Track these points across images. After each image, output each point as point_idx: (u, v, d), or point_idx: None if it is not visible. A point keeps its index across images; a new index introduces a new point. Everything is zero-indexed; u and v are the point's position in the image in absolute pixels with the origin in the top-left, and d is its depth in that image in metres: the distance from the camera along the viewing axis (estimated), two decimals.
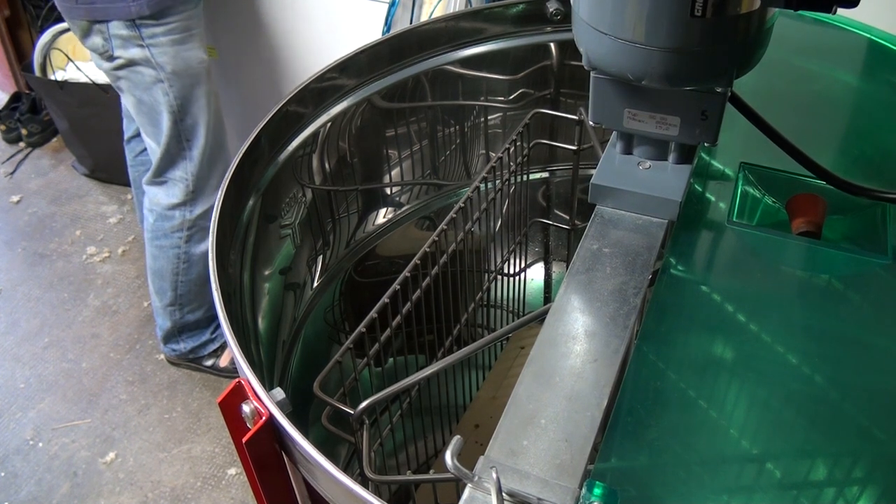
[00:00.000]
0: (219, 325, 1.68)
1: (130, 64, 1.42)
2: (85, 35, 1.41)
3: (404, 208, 1.09)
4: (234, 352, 0.59)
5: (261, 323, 0.85)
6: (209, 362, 1.74)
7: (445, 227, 0.81)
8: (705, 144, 0.63)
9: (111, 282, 2.01)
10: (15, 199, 2.31)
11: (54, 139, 2.53)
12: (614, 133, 0.69)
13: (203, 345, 1.71)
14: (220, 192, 0.73)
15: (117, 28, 1.37)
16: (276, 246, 0.91)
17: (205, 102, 1.50)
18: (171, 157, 1.52)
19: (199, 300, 1.66)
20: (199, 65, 1.46)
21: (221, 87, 1.83)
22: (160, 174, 1.54)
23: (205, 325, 1.71)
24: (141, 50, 1.40)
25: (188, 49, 1.44)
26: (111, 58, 1.42)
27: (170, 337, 1.69)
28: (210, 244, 0.68)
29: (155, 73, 1.42)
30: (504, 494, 0.45)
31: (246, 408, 0.54)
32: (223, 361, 1.73)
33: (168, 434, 1.64)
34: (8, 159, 2.47)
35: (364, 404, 0.65)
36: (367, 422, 0.67)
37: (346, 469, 0.93)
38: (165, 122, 1.47)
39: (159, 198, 1.56)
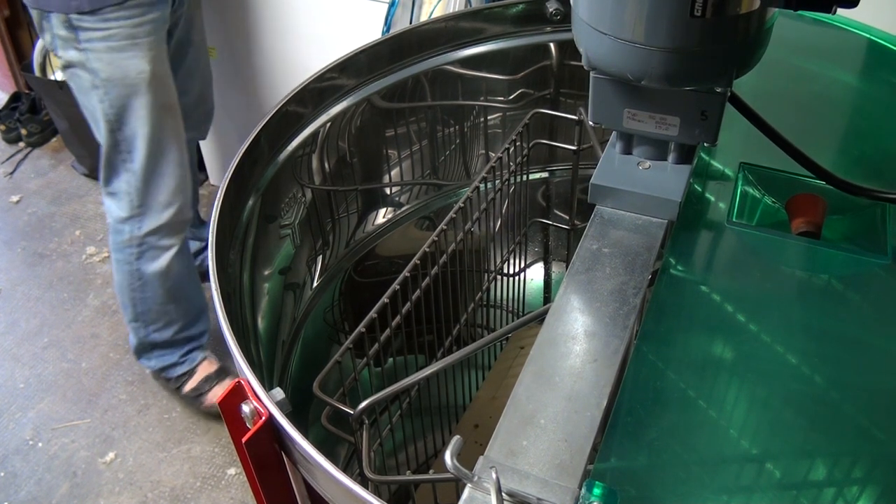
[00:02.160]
0: (190, 350, 1.65)
1: (69, 66, 1.37)
2: (39, 30, 1.37)
3: (404, 208, 1.09)
4: (233, 352, 0.59)
5: (260, 323, 0.85)
6: (176, 385, 1.67)
7: (445, 227, 0.81)
8: (705, 144, 0.63)
9: (111, 282, 2.01)
10: (15, 199, 2.31)
11: (54, 139, 2.53)
12: (614, 133, 0.69)
13: (171, 366, 1.65)
14: (219, 192, 0.73)
15: (58, 27, 1.32)
16: (276, 246, 0.91)
17: (144, 114, 1.40)
18: (112, 166, 1.46)
19: (164, 320, 1.59)
20: (139, 76, 1.37)
21: (222, 87, 1.83)
22: (107, 184, 1.49)
23: (172, 346, 1.64)
24: (77, 53, 1.34)
25: (128, 58, 1.35)
26: (58, 57, 1.38)
27: (139, 352, 1.65)
28: (210, 244, 0.68)
29: (91, 77, 1.36)
30: (504, 494, 0.45)
31: (246, 408, 0.54)
32: (187, 386, 1.66)
33: (168, 434, 1.64)
34: (8, 159, 2.47)
35: (364, 404, 0.65)
36: (366, 422, 0.67)
37: (345, 469, 0.93)
38: (102, 130, 1.42)
39: (111, 209, 1.51)
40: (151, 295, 1.55)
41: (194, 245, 1.92)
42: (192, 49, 1.61)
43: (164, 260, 1.52)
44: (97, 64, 1.35)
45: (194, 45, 1.61)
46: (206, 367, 1.66)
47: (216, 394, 1.64)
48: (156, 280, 1.54)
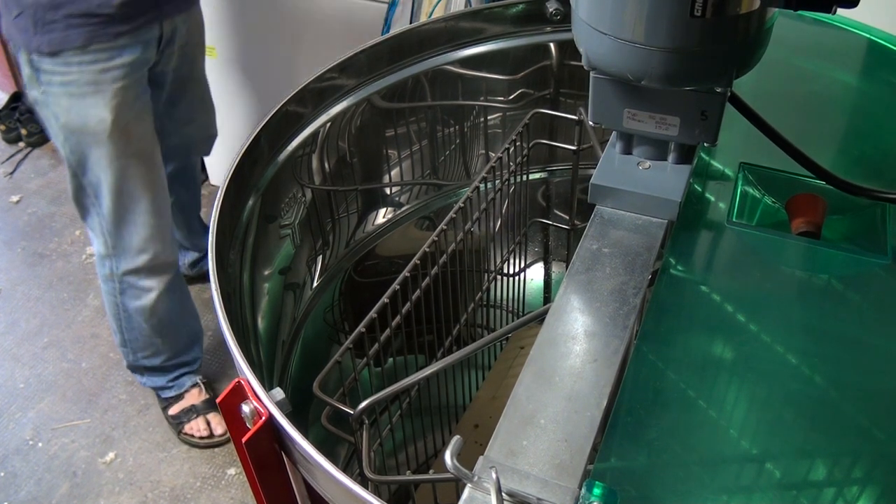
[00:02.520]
0: (179, 376, 1.63)
1: (34, 103, 1.31)
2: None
3: (404, 208, 1.09)
4: (233, 352, 0.59)
5: (260, 323, 0.85)
6: (163, 405, 1.66)
7: (445, 227, 0.81)
8: (705, 144, 0.63)
9: None
10: (14, 198, 2.31)
11: None
12: (614, 133, 0.69)
13: (160, 388, 1.65)
14: (219, 192, 0.73)
15: (24, 64, 1.26)
16: (276, 246, 0.91)
17: (106, 164, 1.31)
18: (81, 205, 1.39)
19: (152, 349, 1.57)
20: (99, 125, 1.27)
21: (222, 86, 1.83)
22: (81, 218, 1.43)
23: (162, 371, 1.62)
24: (38, 93, 1.28)
25: (88, 106, 1.26)
26: (26, 92, 1.32)
27: (131, 370, 1.64)
28: (210, 244, 0.68)
29: (52, 120, 1.29)
30: (504, 494, 0.45)
31: (245, 408, 0.54)
32: (170, 411, 1.64)
33: (168, 434, 1.64)
34: (8, 159, 2.47)
35: (364, 404, 0.65)
36: (366, 422, 0.67)
37: (345, 469, 0.93)
38: (68, 171, 1.35)
39: (91, 241, 1.47)
40: (137, 327, 1.52)
41: (192, 255, 1.88)
42: (193, 84, 1.53)
43: (146, 300, 1.49)
44: (56, 108, 1.28)
45: (195, 80, 1.53)
46: (195, 396, 1.64)
47: (197, 425, 1.62)
48: (140, 316, 1.51)
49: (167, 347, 1.57)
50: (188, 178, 1.73)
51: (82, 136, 1.29)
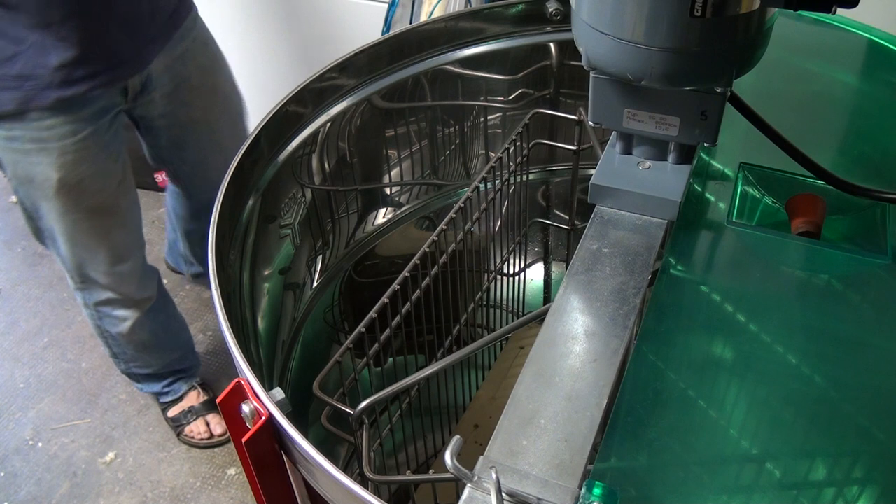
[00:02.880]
0: (174, 381, 1.61)
1: None
2: None
3: (404, 208, 1.09)
4: (233, 352, 0.59)
5: (260, 323, 0.85)
6: (162, 408, 1.65)
7: (445, 227, 0.81)
8: (705, 144, 0.63)
9: None
10: (14, 199, 2.31)
11: None
12: (614, 133, 0.69)
13: (157, 394, 1.63)
14: (219, 192, 0.73)
15: None
16: (276, 246, 0.91)
17: (57, 217, 1.22)
18: (43, 244, 1.32)
19: (142, 362, 1.54)
20: (45, 182, 1.17)
21: None
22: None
23: (157, 378, 1.60)
24: None
25: (33, 164, 1.15)
26: None
27: (127, 377, 1.62)
28: (210, 244, 0.68)
29: (1, 165, 1.20)
30: (503, 494, 0.45)
31: (245, 408, 0.54)
32: (169, 413, 1.63)
33: (167, 434, 1.64)
34: None
35: (364, 404, 0.65)
36: (366, 422, 0.67)
37: (345, 469, 0.93)
38: (22, 213, 1.27)
39: None
40: (123, 346, 1.51)
41: (197, 268, 1.82)
42: (201, 127, 1.36)
43: (125, 326, 1.45)
44: (3, 157, 1.17)
45: (205, 122, 1.37)
46: (193, 398, 1.63)
47: (197, 427, 1.61)
48: (122, 338, 1.47)
49: (157, 360, 1.56)
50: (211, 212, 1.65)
51: (31, 189, 1.20)
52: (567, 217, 1.05)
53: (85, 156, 1.18)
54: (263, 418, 0.53)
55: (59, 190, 1.18)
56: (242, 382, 0.55)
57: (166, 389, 1.62)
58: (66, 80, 1.09)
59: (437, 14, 1.45)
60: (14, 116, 1.10)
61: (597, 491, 0.44)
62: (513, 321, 0.94)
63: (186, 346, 1.63)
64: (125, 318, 1.43)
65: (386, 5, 1.49)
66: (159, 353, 1.55)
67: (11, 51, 1.05)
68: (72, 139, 1.15)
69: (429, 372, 0.67)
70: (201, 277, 1.87)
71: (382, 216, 1.08)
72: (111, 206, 1.27)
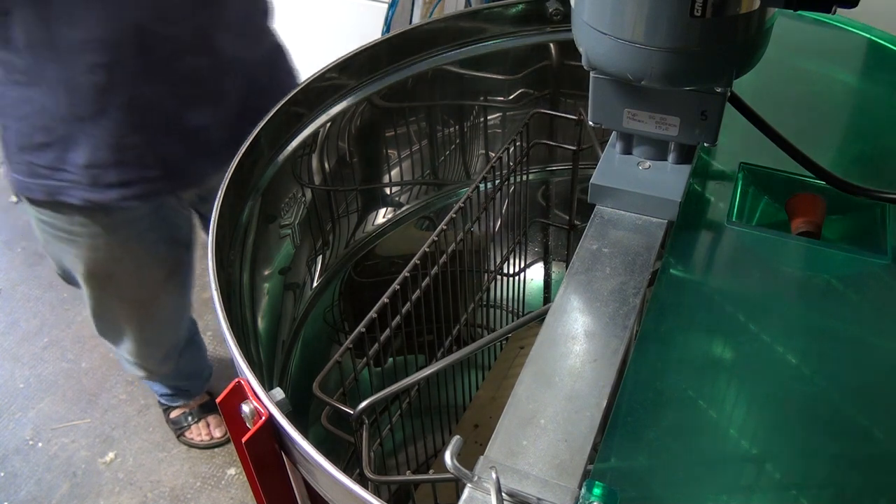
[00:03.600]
0: (181, 394, 1.56)
1: None
2: None
3: (404, 208, 1.09)
4: (233, 352, 0.59)
5: (260, 323, 0.85)
6: (164, 408, 1.63)
7: (445, 227, 0.81)
8: (705, 144, 0.63)
9: None
10: (14, 198, 2.31)
11: None
12: (614, 133, 0.69)
13: (160, 394, 1.60)
14: (219, 192, 0.73)
15: None
16: (276, 246, 0.91)
17: (85, 294, 1.15)
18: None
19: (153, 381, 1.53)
20: (74, 268, 1.09)
21: None
22: None
23: (165, 387, 1.56)
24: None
25: (61, 251, 1.08)
26: None
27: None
28: (210, 244, 0.68)
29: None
30: (503, 494, 0.45)
31: (245, 408, 0.54)
32: (171, 414, 1.61)
33: (167, 434, 1.64)
34: None
35: (364, 404, 0.65)
36: (366, 422, 0.67)
37: (345, 469, 0.93)
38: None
39: None
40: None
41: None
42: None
43: (140, 374, 1.41)
44: (35, 229, 1.09)
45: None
46: (195, 401, 1.62)
47: (198, 430, 1.60)
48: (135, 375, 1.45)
49: (168, 383, 1.54)
50: None
51: (60, 269, 1.13)
52: (567, 217, 1.05)
53: (120, 254, 1.08)
54: (263, 418, 0.53)
55: (88, 279, 1.11)
56: (242, 382, 0.55)
57: (170, 397, 1.60)
58: (95, 181, 0.97)
59: (437, 14, 1.45)
60: (44, 203, 1.01)
61: (597, 491, 0.44)
62: (513, 321, 0.94)
63: (203, 378, 1.59)
64: (141, 372, 1.39)
65: (386, 5, 1.49)
66: (172, 380, 1.52)
67: (41, 139, 0.95)
68: (104, 238, 1.04)
69: (429, 372, 0.67)
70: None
71: (382, 216, 1.08)
72: (149, 300, 1.17)
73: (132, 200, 1.00)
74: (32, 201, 1.02)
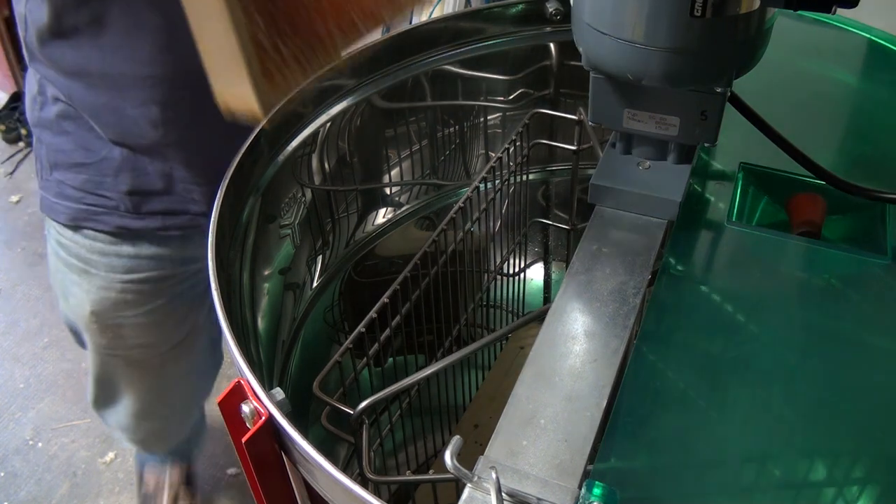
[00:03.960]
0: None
1: None
2: None
3: (404, 208, 1.09)
4: (233, 352, 0.59)
5: (260, 323, 0.85)
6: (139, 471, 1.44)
7: (445, 227, 0.81)
8: (705, 144, 0.63)
9: None
10: (14, 199, 2.31)
11: None
12: (614, 133, 0.69)
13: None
14: (219, 191, 0.73)
15: None
16: (276, 246, 0.91)
17: (89, 347, 1.05)
18: None
19: None
20: (77, 308, 0.99)
21: None
22: None
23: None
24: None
25: (72, 281, 0.98)
26: None
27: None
28: (210, 244, 0.68)
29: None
30: (503, 494, 0.45)
31: (245, 408, 0.54)
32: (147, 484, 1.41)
33: None
34: (8, 159, 2.47)
35: (364, 404, 0.65)
36: (366, 422, 0.67)
37: (345, 469, 0.93)
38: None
39: None
40: None
41: None
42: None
43: (127, 444, 1.29)
44: (48, 252, 1.00)
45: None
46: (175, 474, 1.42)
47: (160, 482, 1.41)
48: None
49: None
50: None
51: (63, 300, 1.02)
52: (567, 217, 1.05)
53: (134, 301, 0.97)
54: (263, 418, 0.53)
55: (91, 326, 0.99)
56: (242, 382, 0.55)
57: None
58: (137, 208, 0.91)
59: (437, 14, 1.45)
60: (67, 226, 0.94)
61: (597, 491, 0.44)
62: (513, 321, 0.94)
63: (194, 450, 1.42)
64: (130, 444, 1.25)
65: None
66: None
67: (78, 157, 0.89)
68: (122, 275, 0.95)
69: (429, 372, 0.67)
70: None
71: (382, 216, 1.08)
72: (153, 368, 1.06)
73: (172, 230, 0.94)
74: (56, 222, 0.96)
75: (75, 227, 0.93)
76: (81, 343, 1.07)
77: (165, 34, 0.83)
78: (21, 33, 0.88)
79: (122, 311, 0.98)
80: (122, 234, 0.93)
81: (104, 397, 1.12)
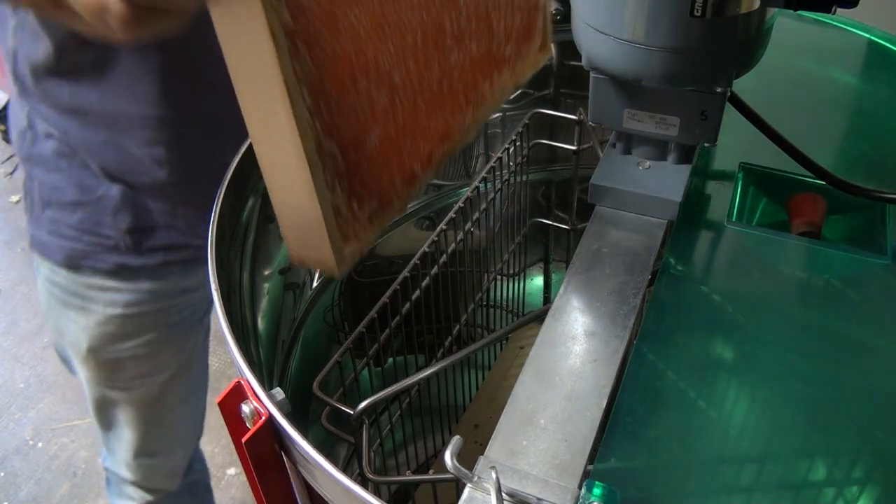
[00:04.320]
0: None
1: None
2: None
3: None
4: (233, 352, 0.59)
5: (260, 323, 0.85)
6: None
7: (445, 227, 0.81)
8: (705, 144, 0.63)
9: None
10: (14, 199, 2.31)
11: None
12: (614, 133, 0.69)
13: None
14: (219, 191, 0.73)
15: None
16: (276, 246, 0.91)
17: (84, 381, 1.00)
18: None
19: None
20: (74, 345, 0.96)
21: None
22: None
23: None
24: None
25: (68, 318, 0.94)
26: None
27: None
28: (210, 244, 0.68)
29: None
30: (503, 494, 0.45)
31: (245, 408, 0.54)
32: None
33: None
34: (8, 159, 2.47)
35: (364, 404, 0.65)
36: (366, 422, 0.67)
37: (345, 469, 0.93)
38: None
39: None
40: None
41: None
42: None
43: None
44: (40, 291, 0.96)
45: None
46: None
47: None
48: None
49: None
50: None
51: (59, 337, 0.98)
52: (567, 217, 1.05)
53: (133, 332, 0.94)
54: (263, 418, 0.53)
55: (88, 361, 0.96)
56: (242, 382, 0.55)
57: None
58: (136, 246, 0.88)
59: None
60: (62, 264, 0.90)
61: (597, 491, 0.44)
62: (513, 321, 0.94)
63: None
64: (132, 499, 1.16)
65: None
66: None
67: (73, 196, 0.86)
68: (121, 310, 0.92)
69: (429, 372, 0.67)
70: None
71: None
72: (153, 399, 1.03)
73: (174, 266, 0.92)
74: (49, 260, 0.92)
75: (71, 266, 0.89)
76: (73, 371, 1.04)
77: (173, 76, 0.80)
78: (7, 65, 0.83)
79: (120, 344, 0.95)
80: (121, 272, 0.90)
81: (104, 426, 1.08)
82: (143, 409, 1.03)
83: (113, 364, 0.96)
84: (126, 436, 1.06)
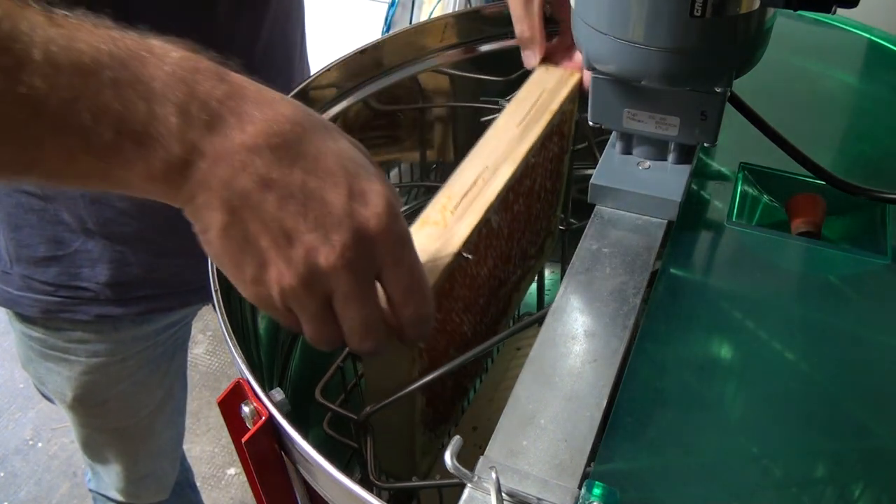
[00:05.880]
0: None
1: None
2: None
3: (403, 209, 1.09)
4: (233, 352, 0.59)
5: (260, 323, 0.85)
6: None
7: None
8: (705, 144, 0.63)
9: None
10: None
11: None
12: (613, 133, 0.69)
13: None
14: None
15: None
16: None
17: (72, 424, 1.00)
18: None
19: None
20: (57, 393, 0.93)
21: None
22: None
23: None
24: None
25: (49, 369, 0.91)
26: None
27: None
28: None
29: None
30: (503, 494, 0.45)
31: (245, 408, 0.54)
32: None
33: None
34: None
35: (369, 409, 0.65)
36: (371, 427, 0.67)
37: (345, 470, 0.93)
38: None
39: None
40: None
41: None
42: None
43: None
44: (17, 345, 0.92)
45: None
46: None
47: None
48: None
49: None
50: None
51: (41, 385, 0.95)
52: (563, 217, 1.05)
53: (118, 377, 0.92)
54: (263, 418, 0.53)
55: (75, 409, 0.94)
56: (242, 383, 0.55)
57: None
58: (117, 298, 0.84)
59: (437, 14, 1.46)
60: (37, 320, 0.86)
61: (597, 491, 0.44)
62: (512, 323, 0.94)
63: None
64: None
65: (386, 5, 1.49)
66: None
67: (45, 251, 0.81)
68: (104, 358, 0.89)
69: (431, 377, 0.67)
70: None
71: None
72: (142, 430, 1.02)
73: (158, 313, 0.89)
74: (22, 317, 0.86)
75: (49, 321, 0.85)
76: (53, 401, 1.01)
77: None
78: None
79: (107, 389, 0.93)
80: (102, 322, 0.86)
81: (93, 457, 1.06)
82: (132, 441, 1.02)
83: (100, 408, 0.95)
84: (115, 467, 1.05)
